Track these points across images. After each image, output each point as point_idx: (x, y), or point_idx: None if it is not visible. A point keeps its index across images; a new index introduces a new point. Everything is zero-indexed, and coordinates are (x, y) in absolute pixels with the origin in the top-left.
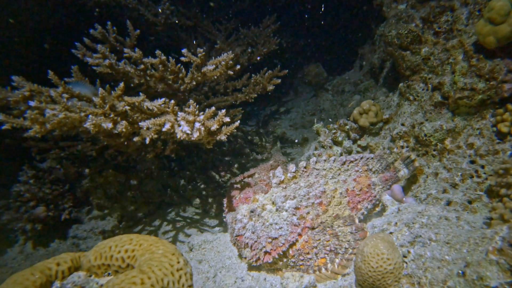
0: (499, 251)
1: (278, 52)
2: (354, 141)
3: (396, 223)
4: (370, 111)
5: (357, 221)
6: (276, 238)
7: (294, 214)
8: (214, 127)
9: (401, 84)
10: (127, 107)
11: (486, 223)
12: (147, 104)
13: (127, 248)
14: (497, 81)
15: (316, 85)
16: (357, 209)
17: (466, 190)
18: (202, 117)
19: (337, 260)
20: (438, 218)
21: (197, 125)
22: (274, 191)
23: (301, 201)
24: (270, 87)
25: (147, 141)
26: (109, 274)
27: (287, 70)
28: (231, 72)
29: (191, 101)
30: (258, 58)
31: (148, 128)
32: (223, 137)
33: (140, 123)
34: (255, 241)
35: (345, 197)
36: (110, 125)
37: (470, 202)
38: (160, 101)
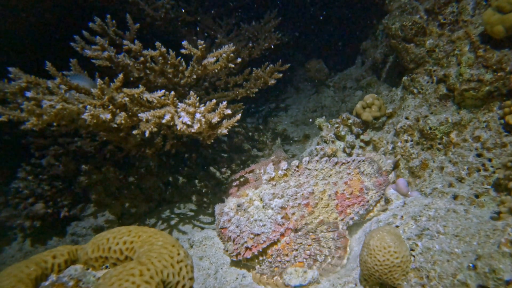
0: None
1: (279, 48)
2: (357, 135)
3: (402, 216)
4: (373, 105)
5: (340, 227)
6: (258, 234)
7: (279, 213)
8: (215, 119)
9: (404, 78)
10: (126, 99)
11: (494, 217)
12: (147, 95)
13: (125, 240)
14: (505, 72)
15: (318, 81)
16: (345, 213)
17: (473, 184)
18: (202, 108)
19: (314, 268)
20: (446, 210)
21: (198, 116)
22: (264, 187)
23: (288, 200)
24: (272, 81)
25: (147, 134)
26: (107, 267)
27: (289, 64)
28: (232, 65)
29: (191, 92)
30: (261, 52)
31: (147, 121)
32: (224, 131)
33: (139, 115)
34: (238, 235)
35: (334, 199)
36: (108, 116)
37: (477, 196)
38: (160, 92)
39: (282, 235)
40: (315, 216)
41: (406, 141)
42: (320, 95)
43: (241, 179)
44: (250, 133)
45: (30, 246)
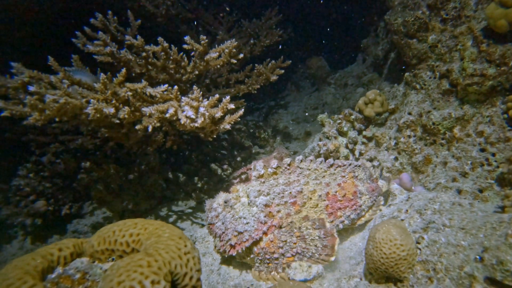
0: None
1: (279, 45)
2: (359, 131)
3: (407, 210)
4: (376, 101)
5: (327, 225)
6: (241, 232)
7: (262, 211)
8: (219, 114)
9: (407, 74)
10: (129, 93)
11: (498, 212)
12: (150, 90)
13: (131, 232)
14: (508, 67)
15: (319, 79)
16: (336, 216)
17: (477, 179)
18: (206, 103)
19: (305, 259)
20: (451, 204)
21: (202, 109)
22: (253, 184)
23: (274, 198)
24: (274, 77)
25: (150, 129)
26: (113, 260)
27: (290, 61)
28: (234, 61)
29: (195, 87)
30: (262, 48)
31: (150, 115)
32: (227, 126)
33: (143, 109)
34: (223, 232)
35: (324, 200)
36: (112, 110)
37: (481, 191)
38: (163, 87)
39: (265, 233)
40: (302, 215)
41: (409, 136)
42: (321, 93)
43: (243, 176)
44: (251, 130)
45: (31, 244)
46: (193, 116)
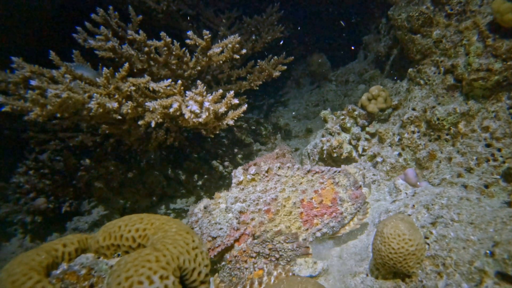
0: None
1: (281, 41)
2: (363, 127)
3: (413, 205)
4: (379, 97)
5: (300, 239)
6: (214, 237)
7: (236, 218)
8: (222, 109)
9: (410, 69)
10: (132, 88)
11: (504, 208)
12: (153, 85)
13: (137, 227)
14: None
15: (320, 76)
16: (312, 223)
17: (482, 174)
18: (210, 97)
19: (274, 273)
20: (459, 199)
21: (207, 104)
22: (232, 190)
23: (249, 205)
24: (276, 73)
25: (153, 124)
26: (118, 255)
27: (293, 57)
28: (237, 56)
29: (198, 81)
30: (263, 45)
31: (154, 110)
32: (230, 122)
33: (146, 103)
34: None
35: (298, 207)
36: (115, 105)
37: (486, 187)
38: (167, 82)
39: (237, 240)
40: (276, 223)
41: (413, 132)
42: (322, 90)
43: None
44: (253, 127)
45: (30, 242)
46: (197, 111)
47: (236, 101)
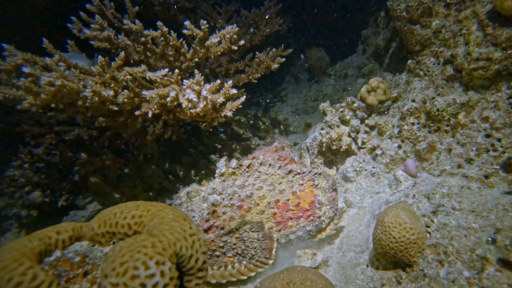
0: None
1: (279, 36)
2: (362, 120)
3: (414, 195)
4: (379, 89)
5: (266, 228)
6: None
7: (208, 209)
8: (220, 99)
9: (409, 61)
10: (128, 77)
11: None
12: (149, 74)
13: (133, 214)
14: None
15: (318, 70)
16: (286, 225)
17: (482, 165)
18: (208, 86)
19: (244, 262)
20: (460, 187)
21: (204, 92)
22: (214, 181)
23: (223, 199)
24: (275, 65)
25: (150, 115)
26: (114, 243)
27: (291, 49)
28: (235, 47)
29: (196, 71)
30: (262, 38)
31: (151, 100)
32: (229, 113)
33: (143, 92)
34: None
35: (272, 208)
36: (111, 93)
37: (486, 177)
38: (163, 71)
39: (206, 231)
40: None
41: (413, 124)
42: (321, 84)
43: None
44: (251, 122)
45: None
46: (195, 99)
47: (234, 91)
